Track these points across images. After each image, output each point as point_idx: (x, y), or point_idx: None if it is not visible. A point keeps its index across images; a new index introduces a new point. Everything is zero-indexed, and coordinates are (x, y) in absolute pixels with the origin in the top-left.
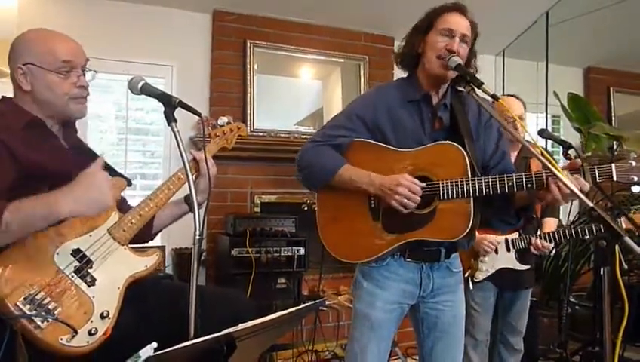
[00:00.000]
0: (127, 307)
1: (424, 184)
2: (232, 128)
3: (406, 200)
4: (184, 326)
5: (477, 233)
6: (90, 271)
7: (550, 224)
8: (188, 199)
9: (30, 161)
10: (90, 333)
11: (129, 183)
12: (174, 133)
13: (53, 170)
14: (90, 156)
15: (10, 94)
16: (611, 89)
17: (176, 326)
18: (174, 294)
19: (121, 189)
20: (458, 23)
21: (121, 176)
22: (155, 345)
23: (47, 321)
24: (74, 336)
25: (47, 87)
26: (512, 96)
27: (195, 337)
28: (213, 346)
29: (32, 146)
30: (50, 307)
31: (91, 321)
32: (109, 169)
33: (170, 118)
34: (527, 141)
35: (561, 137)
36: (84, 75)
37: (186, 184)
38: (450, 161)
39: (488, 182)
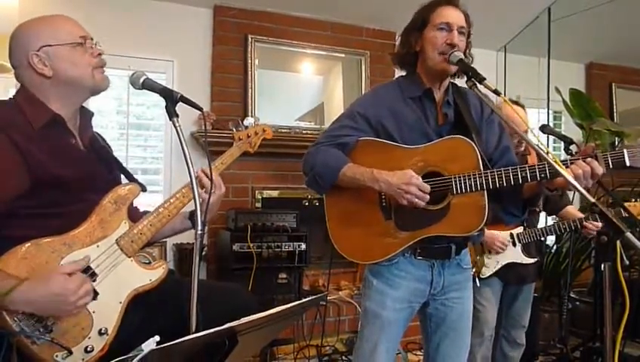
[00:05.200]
0: (133, 303)
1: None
2: (256, 131)
3: (416, 199)
4: (186, 321)
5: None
6: (93, 284)
7: (573, 211)
8: (192, 216)
9: (41, 168)
10: (86, 350)
11: (143, 189)
12: (176, 128)
13: (64, 177)
14: (104, 158)
15: (11, 89)
16: (613, 85)
17: (178, 321)
18: (176, 289)
19: (134, 195)
20: (454, 16)
21: (136, 181)
22: (157, 338)
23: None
24: (69, 355)
25: (70, 63)
26: (515, 103)
27: (197, 331)
28: (215, 340)
29: (46, 152)
30: (48, 322)
31: (89, 338)
32: (124, 172)
33: (171, 113)
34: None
35: (563, 133)
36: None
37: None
38: (462, 155)
39: (501, 173)
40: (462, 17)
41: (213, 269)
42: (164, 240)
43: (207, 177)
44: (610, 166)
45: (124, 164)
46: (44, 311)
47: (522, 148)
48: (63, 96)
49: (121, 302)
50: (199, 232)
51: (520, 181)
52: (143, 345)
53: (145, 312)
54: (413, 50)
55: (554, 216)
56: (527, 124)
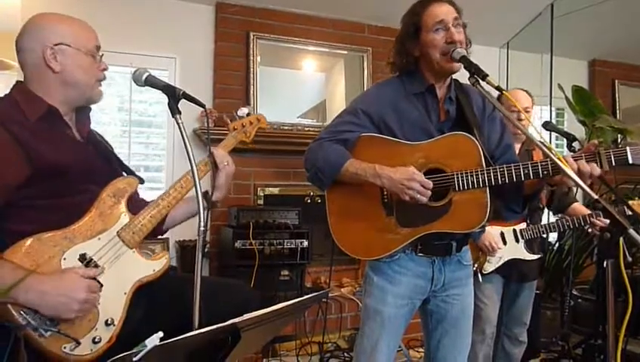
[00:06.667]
0: (135, 297)
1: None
2: (251, 120)
3: (419, 195)
4: (189, 317)
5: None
6: (97, 277)
7: (580, 208)
8: (205, 195)
9: (41, 157)
10: (94, 341)
11: (141, 181)
12: (178, 124)
13: (62, 165)
14: (102, 151)
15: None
16: (616, 81)
17: (181, 317)
18: (179, 285)
19: (132, 188)
20: (445, 12)
21: (134, 174)
22: (161, 334)
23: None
24: (77, 346)
25: (80, 68)
26: (519, 89)
27: (200, 328)
28: (218, 336)
29: (43, 141)
30: None
31: (96, 329)
32: (122, 166)
33: (174, 110)
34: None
35: (566, 130)
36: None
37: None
38: (464, 151)
39: (504, 170)
40: (451, 9)
41: (215, 266)
42: (166, 236)
43: (219, 155)
44: (613, 163)
45: (127, 161)
46: (51, 306)
47: (519, 132)
48: (62, 94)
49: (125, 293)
50: (202, 229)
51: (522, 178)
52: (146, 341)
53: (148, 309)
54: (413, 57)
55: (560, 215)
56: (526, 103)
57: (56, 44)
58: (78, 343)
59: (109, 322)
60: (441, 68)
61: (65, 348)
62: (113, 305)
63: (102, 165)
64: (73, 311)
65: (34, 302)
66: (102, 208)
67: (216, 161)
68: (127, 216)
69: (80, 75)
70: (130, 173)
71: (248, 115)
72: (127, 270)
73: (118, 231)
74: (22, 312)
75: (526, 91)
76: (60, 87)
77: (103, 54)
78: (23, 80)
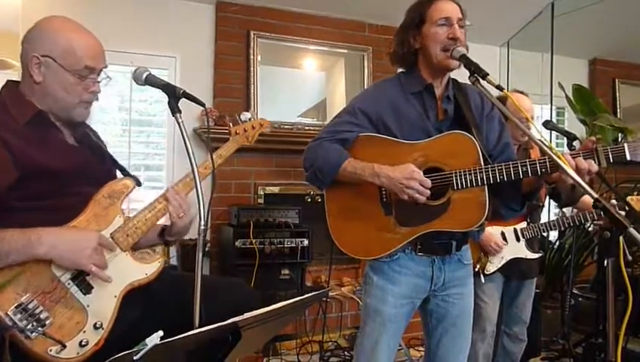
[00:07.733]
0: (132, 297)
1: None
2: (254, 125)
3: (417, 195)
4: (189, 316)
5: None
6: (87, 278)
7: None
8: (162, 234)
9: (30, 159)
10: (81, 345)
11: (138, 184)
12: (179, 124)
13: (53, 168)
14: (97, 152)
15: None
16: (616, 80)
17: (181, 316)
18: (179, 284)
19: (129, 190)
20: (451, 10)
21: (129, 174)
22: (161, 333)
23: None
24: (63, 349)
25: (61, 86)
26: (519, 92)
27: (200, 327)
28: (219, 335)
29: (33, 144)
30: (41, 316)
31: (84, 332)
32: (118, 168)
33: (174, 109)
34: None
35: (566, 129)
36: (99, 80)
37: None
38: (462, 150)
39: (502, 168)
40: (458, 9)
41: (215, 265)
42: None
43: (177, 198)
44: (611, 160)
45: (127, 161)
46: (64, 242)
47: (526, 139)
48: (43, 103)
49: (115, 296)
50: (202, 227)
51: (521, 176)
52: (147, 340)
53: (147, 307)
54: (413, 48)
55: (559, 211)
56: (532, 111)
57: (43, 55)
58: (64, 346)
59: (97, 325)
60: (439, 63)
61: (50, 350)
62: (103, 308)
63: (96, 167)
64: (88, 252)
65: (47, 243)
66: (97, 209)
67: (170, 209)
68: (121, 218)
69: (60, 93)
70: (126, 173)
71: (250, 119)
72: (119, 273)
73: (111, 233)
74: (8, 313)
75: (523, 93)
76: (41, 97)
77: (95, 76)
78: (13, 79)
